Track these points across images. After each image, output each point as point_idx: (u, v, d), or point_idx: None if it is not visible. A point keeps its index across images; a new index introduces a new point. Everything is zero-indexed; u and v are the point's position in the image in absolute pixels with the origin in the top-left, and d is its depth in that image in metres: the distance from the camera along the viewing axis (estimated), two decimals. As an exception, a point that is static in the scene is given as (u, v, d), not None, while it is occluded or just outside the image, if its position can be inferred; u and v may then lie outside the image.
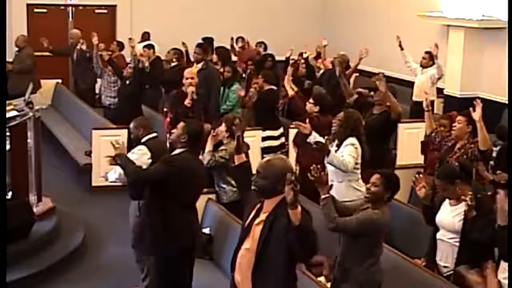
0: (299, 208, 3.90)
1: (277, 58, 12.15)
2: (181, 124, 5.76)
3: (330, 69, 10.62)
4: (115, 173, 6.09)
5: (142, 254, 6.25)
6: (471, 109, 6.51)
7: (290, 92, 7.85)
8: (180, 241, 5.50)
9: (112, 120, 10.21)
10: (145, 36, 13.73)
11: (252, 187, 4.22)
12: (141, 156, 6.06)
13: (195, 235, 5.70)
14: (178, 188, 5.46)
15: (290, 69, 8.00)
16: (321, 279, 5.71)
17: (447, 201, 5.56)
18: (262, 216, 4.17)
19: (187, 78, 8.47)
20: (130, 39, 11.79)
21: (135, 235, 6.27)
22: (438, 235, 5.58)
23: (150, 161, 6.03)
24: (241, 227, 4.47)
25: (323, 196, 4.96)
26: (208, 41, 12.26)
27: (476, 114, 6.42)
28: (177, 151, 5.66)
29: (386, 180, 5.09)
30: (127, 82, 10.12)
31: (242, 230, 4.36)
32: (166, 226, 5.48)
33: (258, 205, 4.24)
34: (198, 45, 10.17)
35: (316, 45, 12.02)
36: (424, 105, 7.51)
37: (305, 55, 11.51)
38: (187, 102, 8.23)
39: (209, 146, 6.74)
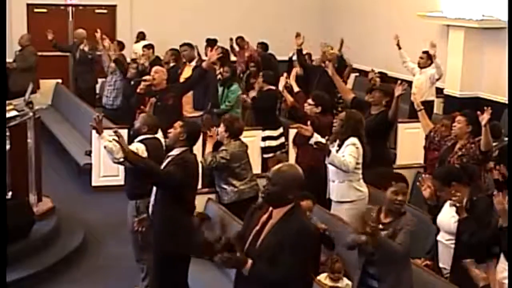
0: None
1: (277, 58, 12.21)
2: (179, 123, 5.74)
3: (320, 67, 10.64)
4: (111, 142, 6.00)
5: (143, 253, 6.24)
6: (478, 112, 6.50)
7: (289, 100, 7.80)
8: (185, 242, 5.46)
9: (112, 120, 10.20)
10: (140, 36, 13.74)
11: (262, 194, 4.16)
12: (141, 154, 6.06)
13: (197, 236, 5.69)
14: (187, 189, 5.48)
15: (284, 79, 7.89)
16: (323, 276, 5.70)
17: (448, 202, 5.55)
18: (269, 226, 4.04)
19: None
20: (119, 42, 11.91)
21: (139, 234, 6.25)
22: (438, 237, 5.57)
23: None
24: (239, 232, 4.35)
25: (379, 238, 4.77)
26: (211, 42, 12.29)
27: (483, 119, 6.41)
28: (177, 150, 5.63)
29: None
30: (132, 82, 10.11)
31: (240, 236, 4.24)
32: (174, 227, 5.44)
33: (266, 215, 4.07)
34: (183, 44, 10.26)
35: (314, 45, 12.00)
36: (415, 104, 7.53)
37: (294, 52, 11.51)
38: (139, 89, 8.34)
39: (209, 147, 6.74)
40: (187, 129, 5.64)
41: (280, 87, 7.87)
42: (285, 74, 7.98)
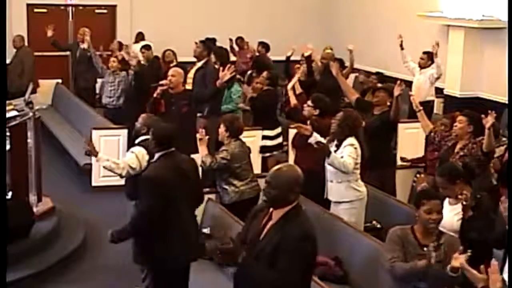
0: None
1: (278, 58, 12.19)
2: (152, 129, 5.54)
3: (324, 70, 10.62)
4: (108, 161, 6.18)
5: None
6: (483, 115, 6.49)
7: (293, 101, 7.78)
8: (181, 254, 5.36)
9: (113, 120, 10.20)
10: (140, 36, 13.74)
11: (263, 198, 4.16)
12: (141, 158, 6.07)
13: (195, 245, 5.57)
14: (172, 198, 5.26)
15: (295, 79, 7.82)
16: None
17: (446, 200, 5.55)
18: (268, 226, 4.09)
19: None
20: (126, 45, 11.89)
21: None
22: None
23: (146, 164, 6.02)
24: (240, 234, 4.36)
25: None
26: (210, 41, 12.29)
27: (487, 122, 6.41)
28: (155, 156, 5.45)
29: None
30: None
31: (242, 236, 4.27)
32: (169, 238, 5.29)
33: (267, 217, 4.13)
34: (202, 41, 10.20)
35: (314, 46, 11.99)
36: (414, 105, 7.55)
37: (306, 54, 11.50)
38: (156, 94, 8.24)
39: (202, 150, 6.68)
40: (154, 136, 5.42)
41: (289, 85, 7.84)
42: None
